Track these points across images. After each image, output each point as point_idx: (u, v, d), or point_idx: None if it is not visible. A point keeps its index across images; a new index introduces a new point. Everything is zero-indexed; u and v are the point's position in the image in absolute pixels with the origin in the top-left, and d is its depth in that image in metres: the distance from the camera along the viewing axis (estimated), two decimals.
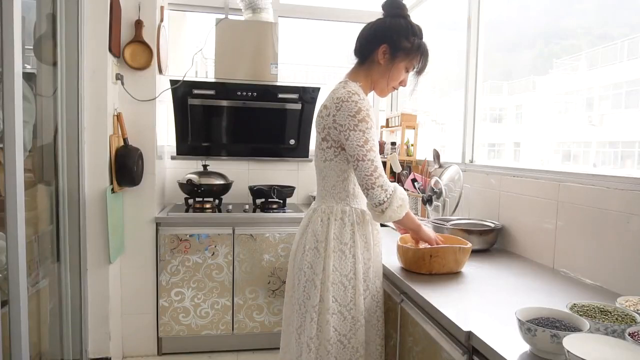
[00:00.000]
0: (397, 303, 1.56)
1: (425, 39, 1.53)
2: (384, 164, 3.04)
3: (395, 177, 3.00)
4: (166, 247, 2.63)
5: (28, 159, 1.73)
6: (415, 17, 3.11)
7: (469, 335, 1.10)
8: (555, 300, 1.32)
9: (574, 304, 1.08)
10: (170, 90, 2.83)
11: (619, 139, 2.67)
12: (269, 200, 3.04)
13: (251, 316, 2.75)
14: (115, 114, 2.45)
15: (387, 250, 1.70)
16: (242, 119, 3.07)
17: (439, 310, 1.24)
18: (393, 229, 2.01)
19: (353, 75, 1.55)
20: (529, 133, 3.58)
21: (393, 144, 3.16)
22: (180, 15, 3.35)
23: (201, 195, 2.87)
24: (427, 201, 2.40)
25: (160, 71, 2.68)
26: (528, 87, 3.50)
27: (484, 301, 1.35)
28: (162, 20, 2.67)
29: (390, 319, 1.62)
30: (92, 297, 2.34)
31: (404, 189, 2.79)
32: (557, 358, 0.93)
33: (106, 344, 2.43)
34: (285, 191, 3.05)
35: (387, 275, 1.65)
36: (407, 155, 2.97)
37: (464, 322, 1.15)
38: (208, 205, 2.89)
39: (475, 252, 1.82)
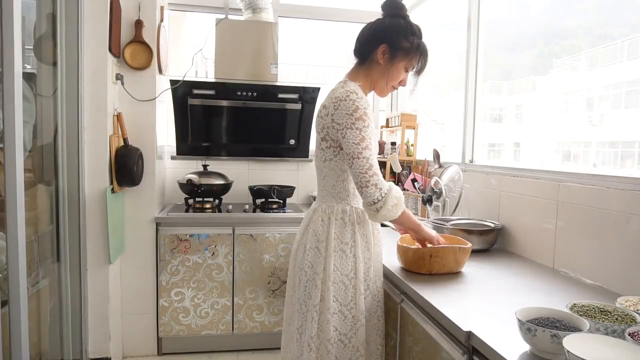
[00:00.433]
0: (397, 303, 1.56)
1: (424, 39, 1.53)
2: (384, 164, 3.04)
3: (395, 177, 3.00)
4: (166, 247, 2.63)
5: (28, 159, 1.73)
6: (415, 17, 3.13)
7: (469, 335, 1.10)
8: (555, 300, 1.32)
9: (574, 304, 1.08)
10: (170, 90, 2.83)
11: (619, 139, 2.67)
12: (269, 200, 3.04)
13: (251, 316, 2.75)
14: (115, 114, 2.45)
15: (387, 250, 1.70)
16: (242, 119, 3.07)
17: (439, 310, 1.24)
18: (393, 229, 2.01)
19: (352, 75, 1.55)
20: (529, 133, 3.58)
21: (393, 144, 3.16)
22: (180, 15, 3.35)
23: (201, 195, 2.87)
24: (427, 201, 2.40)
25: (160, 71, 2.68)
26: (528, 87, 3.50)
27: (484, 301, 1.35)
28: (162, 20, 2.67)
29: (390, 318, 1.62)
30: (92, 297, 2.34)
31: (404, 189, 2.79)
32: (557, 358, 0.93)
33: (106, 344, 2.43)
34: (285, 191, 3.05)
35: (387, 275, 1.65)
36: (407, 155, 2.97)
37: (464, 322, 1.15)
38: (208, 205, 2.89)
39: (475, 252, 1.82)
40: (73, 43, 2.13)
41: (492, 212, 2.09)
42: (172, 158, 3.10)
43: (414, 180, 2.70)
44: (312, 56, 4.09)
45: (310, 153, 3.23)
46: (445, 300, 1.32)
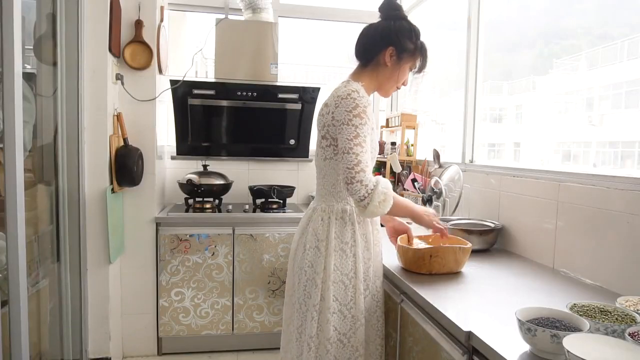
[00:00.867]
0: (397, 303, 1.56)
1: (423, 39, 1.55)
2: (384, 164, 3.04)
3: (395, 177, 3.00)
4: (166, 247, 2.63)
5: (28, 159, 1.73)
6: (415, 17, 3.13)
7: (469, 335, 1.10)
8: (555, 300, 1.32)
9: (574, 304, 1.08)
10: (170, 90, 2.83)
11: (619, 139, 2.67)
12: (269, 200, 3.04)
13: (251, 316, 2.75)
14: (115, 114, 2.45)
15: (387, 250, 1.70)
16: (242, 119, 3.07)
17: (439, 310, 1.24)
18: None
19: (356, 76, 1.56)
20: (529, 133, 3.58)
21: (393, 144, 3.16)
22: (180, 15, 3.35)
23: (201, 195, 2.87)
24: (427, 201, 2.40)
25: (160, 71, 2.68)
26: (528, 87, 3.50)
27: (484, 301, 1.35)
28: (162, 20, 2.67)
29: (390, 319, 1.62)
30: (92, 297, 2.34)
31: (404, 189, 2.79)
32: (557, 358, 0.93)
33: (106, 344, 2.43)
34: (285, 191, 3.05)
35: (387, 275, 1.65)
36: (407, 155, 2.97)
37: (464, 322, 1.15)
38: (208, 205, 2.89)
39: (475, 252, 1.82)
40: (73, 43, 2.13)
41: (492, 212, 2.09)
42: (172, 158, 3.10)
43: (414, 180, 2.70)
44: (312, 56, 4.09)
45: (310, 153, 3.23)
46: (445, 300, 1.32)
